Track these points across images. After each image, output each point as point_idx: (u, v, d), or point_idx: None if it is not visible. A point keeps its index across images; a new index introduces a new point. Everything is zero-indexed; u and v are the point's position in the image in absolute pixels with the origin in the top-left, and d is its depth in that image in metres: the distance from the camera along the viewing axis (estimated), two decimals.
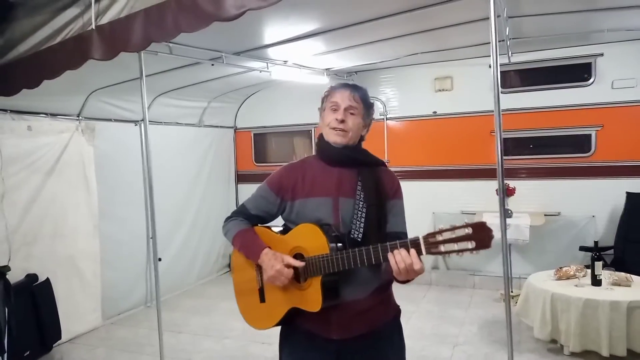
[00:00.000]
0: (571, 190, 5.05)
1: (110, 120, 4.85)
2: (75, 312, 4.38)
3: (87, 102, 4.51)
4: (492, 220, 1.81)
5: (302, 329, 1.70)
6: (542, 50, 4.95)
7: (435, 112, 5.59)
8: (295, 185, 1.73)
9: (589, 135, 4.98)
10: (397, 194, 1.75)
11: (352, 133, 1.70)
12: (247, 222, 1.80)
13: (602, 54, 4.84)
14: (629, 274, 3.75)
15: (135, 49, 2.25)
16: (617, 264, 4.44)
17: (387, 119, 5.81)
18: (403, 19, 3.36)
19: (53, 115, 4.29)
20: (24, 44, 2.60)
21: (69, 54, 2.42)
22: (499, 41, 3.86)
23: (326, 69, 5.28)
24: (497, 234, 1.55)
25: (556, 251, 5.02)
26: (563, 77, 5.04)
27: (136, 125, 5.13)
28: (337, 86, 1.76)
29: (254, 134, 6.71)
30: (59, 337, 4.12)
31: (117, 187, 4.90)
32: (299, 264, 1.60)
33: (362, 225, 1.62)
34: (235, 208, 1.88)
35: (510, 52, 4.58)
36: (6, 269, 3.45)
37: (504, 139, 5.14)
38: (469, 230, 1.39)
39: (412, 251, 1.45)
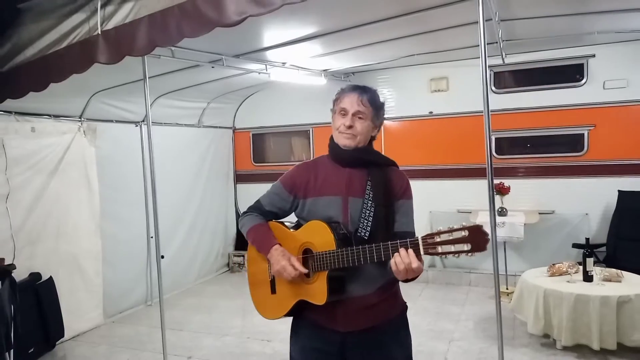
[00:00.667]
0: (565, 189, 5.14)
1: (111, 121, 4.91)
2: (78, 310, 4.44)
3: (89, 103, 4.57)
4: (487, 219, 1.86)
5: (310, 320, 1.78)
6: (536, 51, 5.03)
7: (431, 112, 5.67)
8: (307, 184, 1.79)
9: (582, 135, 5.07)
10: (406, 194, 1.77)
11: (360, 136, 1.74)
12: (261, 217, 1.86)
13: (593, 55, 4.93)
14: (619, 270, 3.81)
15: (140, 54, 2.31)
16: (610, 261, 4.52)
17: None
18: (399, 22, 3.42)
19: (56, 116, 4.34)
20: (31, 48, 2.65)
21: (75, 58, 2.47)
22: (491, 43, 3.97)
23: (324, 70, 5.35)
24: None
25: (550, 248, 5.11)
26: (556, 78, 5.13)
27: (137, 126, 5.19)
28: (346, 89, 1.79)
29: (253, 135, 6.77)
30: (62, 335, 4.18)
31: (118, 187, 4.95)
32: (303, 270, 1.68)
33: (369, 224, 1.67)
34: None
35: (504, 54, 4.65)
36: (12, 267, 3.50)
37: (499, 138, 5.32)
38: (465, 233, 1.44)
39: (411, 251, 1.50)
